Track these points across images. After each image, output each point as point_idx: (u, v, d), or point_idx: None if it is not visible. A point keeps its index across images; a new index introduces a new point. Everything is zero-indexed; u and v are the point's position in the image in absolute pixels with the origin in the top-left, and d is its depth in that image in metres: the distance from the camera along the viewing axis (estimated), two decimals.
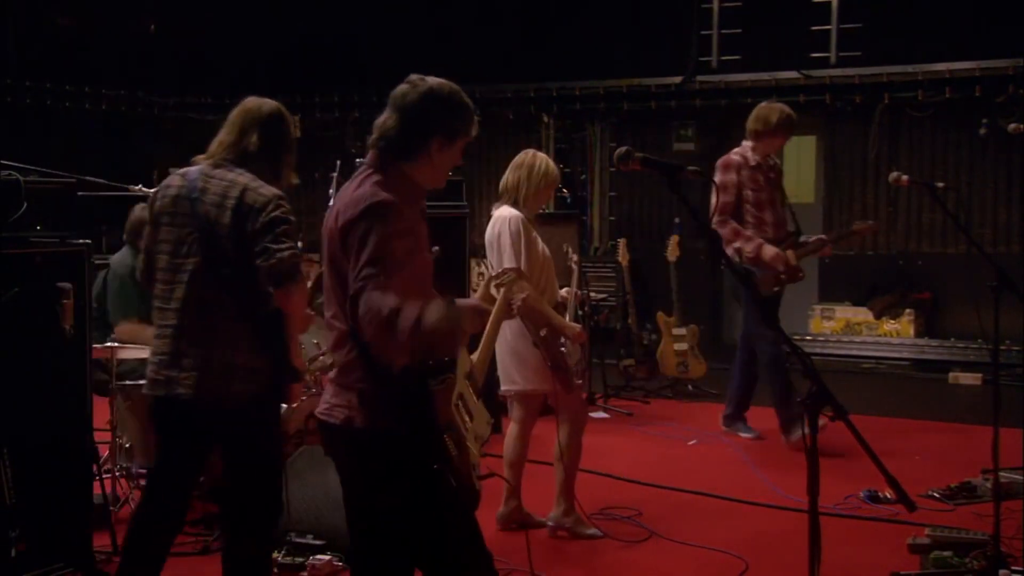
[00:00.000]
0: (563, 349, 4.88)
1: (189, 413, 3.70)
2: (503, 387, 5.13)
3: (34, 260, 4.28)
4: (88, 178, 5.10)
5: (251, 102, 3.81)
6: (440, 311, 2.72)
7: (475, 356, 3.33)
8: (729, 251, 6.68)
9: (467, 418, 3.05)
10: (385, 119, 3.01)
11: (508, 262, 4.83)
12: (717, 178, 6.79)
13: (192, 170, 3.74)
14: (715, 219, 6.74)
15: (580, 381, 5.05)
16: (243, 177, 3.66)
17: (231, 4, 11.81)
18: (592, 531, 5.20)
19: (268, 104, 3.81)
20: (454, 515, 2.95)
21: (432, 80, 3.03)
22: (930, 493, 5.70)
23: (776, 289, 6.75)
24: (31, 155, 4.79)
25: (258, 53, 12.15)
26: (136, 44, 11.96)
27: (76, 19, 11.31)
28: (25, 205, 4.21)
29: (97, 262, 4.98)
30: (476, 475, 3.04)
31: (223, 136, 3.77)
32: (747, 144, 6.93)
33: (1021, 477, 5.49)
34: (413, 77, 3.05)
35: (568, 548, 5.10)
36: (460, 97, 3.02)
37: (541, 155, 5.14)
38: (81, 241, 4.48)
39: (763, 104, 7.00)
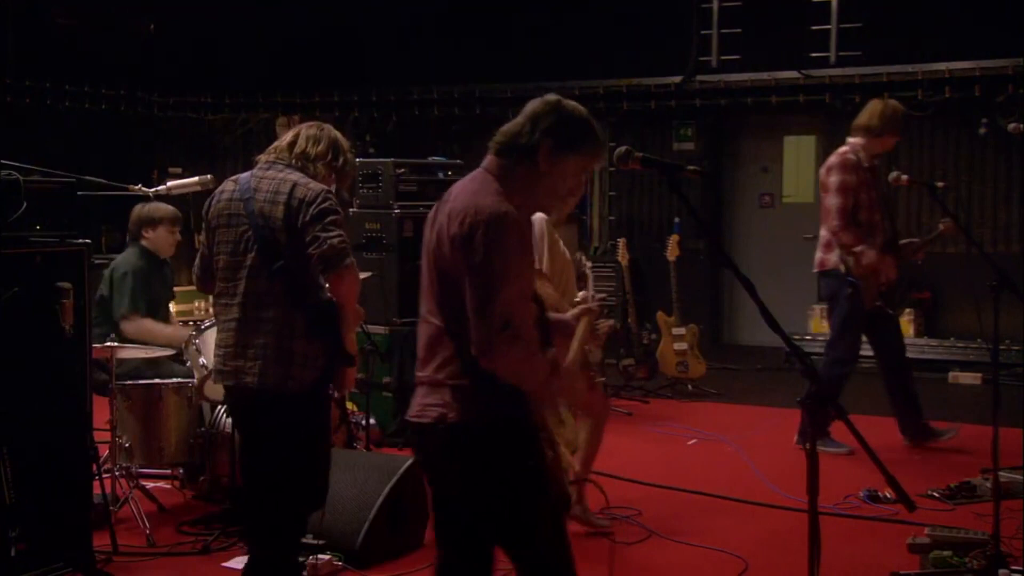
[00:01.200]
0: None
1: (255, 399, 3.84)
2: None
3: (34, 260, 4.28)
4: (88, 177, 5.10)
5: (312, 124, 4.14)
6: (547, 367, 2.87)
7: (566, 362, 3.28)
8: (835, 258, 6.45)
9: (558, 423, 3.05)
10: (510, 123, 3.00)
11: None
12: (833, 178, 6.44)
13: (244, 175, 3.94)
14: (833, 224, 6.41)
15: (601, 379, 5.13)
16: (293, 175, 3.86)
17: (230, 4, 11.80)
18: (602, 523, 5.26)
19: (329, 128, 4.11)
20: (545, 513, 2.93)
21: (566, 100, 3.01)
22: (930, 493, 5.70)
23: (878, 303, 6.49)
24: (30, 154, 4.79)
25: (258, 52, 12.15)
26: (135, 43, 11.96)
27: (75, 18, 11.31)
28: (25, 204, 4.21)
29: (97, 262, 4.98)
30: (567, 479, 3.02)
31: (277, 142, 4.03)
32: (856, 142, 6.59)
33: (1021, 477, 5.49)
34: (549, 95, 3.02)
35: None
36: (586, 117, 2.98)
37: None
38: (81, 241, 4.48)
39: (877, 100, 6.67)
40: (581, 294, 5.20)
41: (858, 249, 6.39)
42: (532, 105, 2.99)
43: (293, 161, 3.92)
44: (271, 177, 3.86)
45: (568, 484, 3.04)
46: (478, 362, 2.79)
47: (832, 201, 6.46)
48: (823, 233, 6.61)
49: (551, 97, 3.00)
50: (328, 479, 4.01)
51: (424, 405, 2.93)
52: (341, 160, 4.04)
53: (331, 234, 3.73)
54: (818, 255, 6.67)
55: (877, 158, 6.70)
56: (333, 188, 3.94)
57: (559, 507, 2.99)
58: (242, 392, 3.85)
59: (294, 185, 3.80)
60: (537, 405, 2.89)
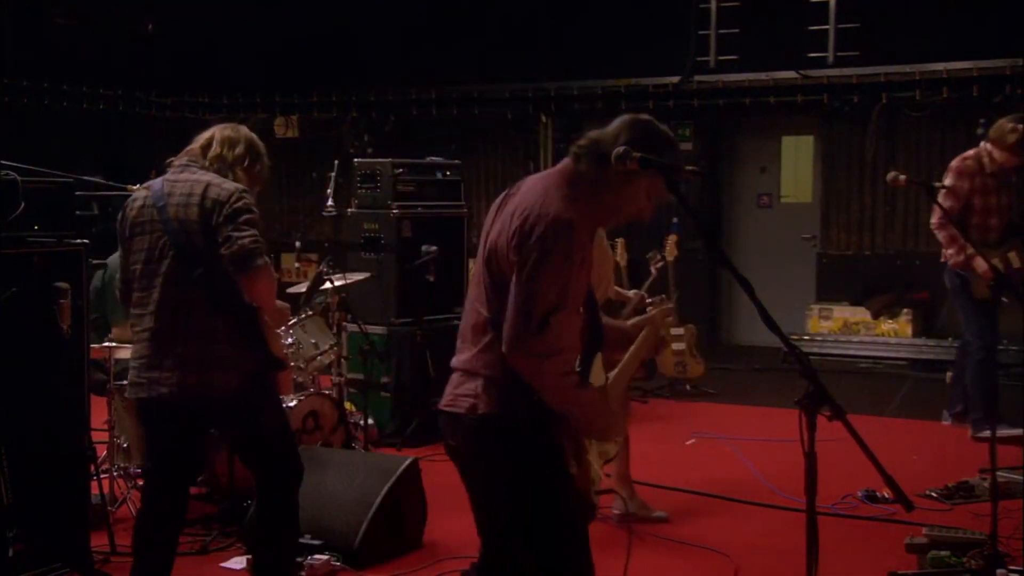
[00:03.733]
0: None
1: (174, 411, 3.77)
2: None
3: (31, 260, 4.28)
4: (86, 177, 5.10)
5: (227, 125, 4.00)
6: (583, 402, 2.86)
7: (613, 373, 3.22)
8: (945, 254, 6.84)
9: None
10: (597, 131, 3.01)
11: None
12: (948, 181, 6.78)
13: (156, 181, 3.87)
14: (935, 221, 6.80)
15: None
16: (207, 176, 3.79)
17: (229, 4, 11.80)
18: (658, 514, 5.33)
19: (243, 130, 3.99)
20: (565, 516, 2.91)
21: (655, 121, 3.04)
22: (928, 493, 5.70)
23: (988, 294, 6.69)
24: (28, 154, 4.79)
25: (256, 53, 12.15)
26: (134, 43, 11.95)
27: (75, 18, 11.30)
28: (23, 204, 4.20)
29: (94, 262, 4.98)
30: (595, 489, 3.01)
31: (190, 147, 3.93)
32: (987, 147, 6.85)
33: (1019, 477, 5.50)
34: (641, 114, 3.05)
35: None
36: (669, 136, 3.00)
37: None
38: (78, 241, 4.48)
39: (1006, 120, 6.87)
40: (632, 292, 5.27)
41: (950, 252, 6.79)
42: (624, 118, 3.00)
43: (207, 164, 3.84)
44: (184, 180, 3.78)
45: (595, 494, 3.01)
46: (507, 358, 2.79)
47: (940, 200, 6.68)
48: None
49: (643, 116, 3.02)
50: (292, 453, 3.95)
51: (456, 395, 2.93)
52: (258, 165, 3.96)
53: (243, 234, 3.64)
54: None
55: (1008, 167, 6.88)
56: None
57: (578, 517, 2.96)
58: (158, 404, 3.75)
59: (207, 186, 3.73)
60: (564, 418, 2.86)
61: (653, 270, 5.47)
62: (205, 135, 3.96)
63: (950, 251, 6.80)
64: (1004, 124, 6.83)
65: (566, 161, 2.98)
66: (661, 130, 2.99)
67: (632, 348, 3.31)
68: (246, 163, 3.91)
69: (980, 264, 6.58)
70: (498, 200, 3.00)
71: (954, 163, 6.91)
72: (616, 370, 3.23)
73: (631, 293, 5.43)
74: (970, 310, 6.92)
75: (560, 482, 2.87)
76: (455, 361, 2.99)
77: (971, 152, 6.93)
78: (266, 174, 4.04)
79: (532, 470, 2.86)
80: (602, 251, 5.15)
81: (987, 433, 6.28)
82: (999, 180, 6.85)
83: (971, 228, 6.75)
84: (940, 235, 6.81)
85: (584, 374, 2.99)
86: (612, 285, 5.32)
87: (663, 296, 3.83)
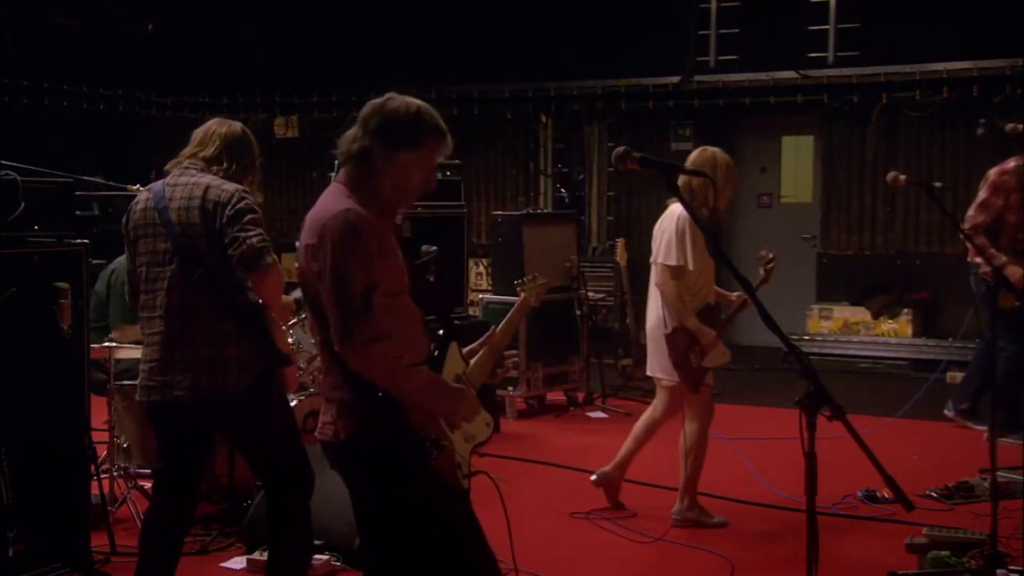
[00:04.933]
0: (692, 351, 5.08)
1: (187, 413, 3.79)
2: (648, 371, 5.43)
3: (32, 260, 4.28)
4: (86, 177, 5.10)
5: (215, 121, 3.99)
6: (421, 383, 2.90)
7: (476, 359, 3.29)
8: (976, 260, 6.80)
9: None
10: (347, 132, 3.04)
11: (667, 258, 5.09)
12: (983, 193, 6.76)
13: (157, 183, 3.89)
14: (966, 229, 6.73)
15: (707, 384, 5.21)
16: (205, 178, 3.81)
17: (229, 4, 11.80)
18: (718, 520, 5.35)
19: (233, 124, 3.98)
20: (440, 516, 2.95)
21: (398, 96, 3.01)
22: (928, 493, 5.70)
23: (1016, 304, 6.57)
24: (28, 154, 4.79)
25: (256, 53, 12.16)
26: (134, 44, 11.95)
27: (75, 18, 11.31)
28: (23, 204, 4.20)
29: (94, 262, 4.97)
30: (462, 473, 3.02)
31: (186, 150, 3.93)
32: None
33: (1019, 477, 5.50)
34: (387, 94, 3.04)
35: (564, 548, 5.10)
36: (416, 111, 2.97)
37: (716, 151, 5.29)
38: (78, 241, 4.48)
39: None
40: (736, 294, 5.37)
41: (978, 261, 6.73)
42: (363, 110, 3.01)
43: (205, 166, 3.85)
44: (184, 183, 3.80)
45: (463, 478, 3.03)
46: (341, 354, 2.84)
47: (971, 212, 6.84)
48: None
49: (378, 99, 3.02)
50: (308, 466, 3.99)
51: (323, 423, 3.03)
52: (257, 161, 3.99)
53: (249, 234, 3.68)
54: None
55: None
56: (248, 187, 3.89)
57: (450, 506, 2.98)
58: (170, 407, 3.77)
59: (207, 188, 3.75)
60: (415, 408, 2.90)
61: (762, 271, 5.43)
62: (200, 134, 3.96)
63: (979, 259, 6.71)
64: None
65: (340, 173, 3.04)
66: (404, 110, 2.97)
67: (507, 320, 3.43)
68: (245, 161, 3.92)
69: (1014, 272, 6.53)
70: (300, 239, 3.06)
71: (992, 175, 6.82)
72: (479, 356, 3.30)
73: (735, 296, 5.40)
74: (1002, 319, 6.81)
75: (427, 484, 2.90)
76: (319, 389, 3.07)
77: (1010, 165, 6.80)
78: (260, 166, 4.05)
79: (399, 482, 2.91)
80: (703, 254, 5.14)
81: (1007, 439, 6.32)
82: None
83: (1001, 239, 6.69)
84: (971, 244, 6.70)
85: (436, 364, 3.04)
86: (713, 289, 5.31)
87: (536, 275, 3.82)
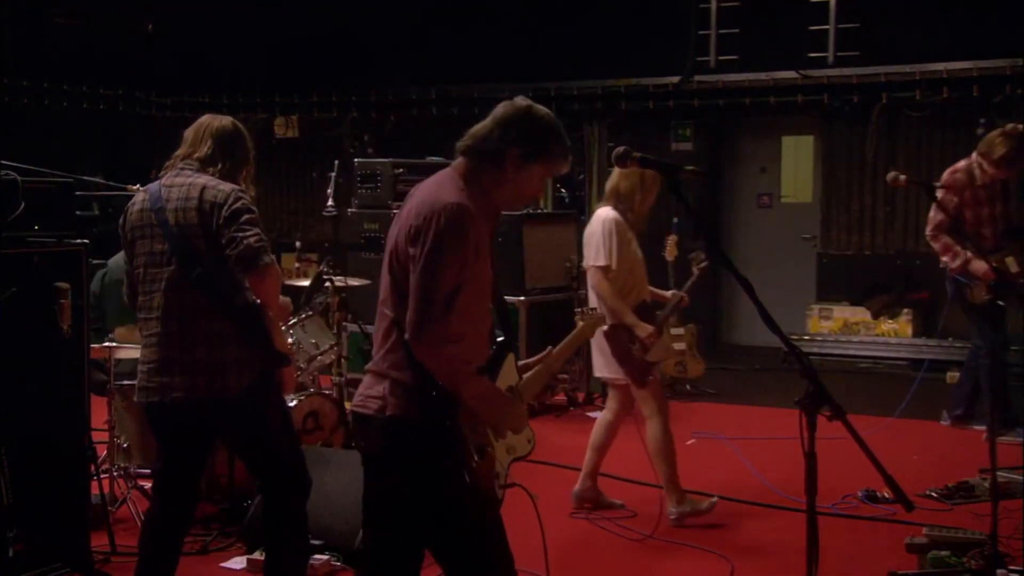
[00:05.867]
0: (634, 345, 5.17)
1: (186, 415, 3.79)
2: (594, 372, 5.57)
3: (32, 260, 4.28)
4: (86, 177, 5.10)
5: (205, 118, 3.98)
6: (479, 391, 2.91)
7: (530, 374, 3.30)
8: (943, 262, 6.92)
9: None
10: (480, 125, 3.04)
11: (596, 259, 5.22)
12: (939, 194, 6.77)
13: (153, 184, 3.88)
14: (928, 232, 6.92)
15: (652, 377, 5.29)
16: (201, 178, 3.80)
17: (229, 4, 11.80)
18: (708, 503, 5.43)
19: (224, 119, 3.97)
20: (469, 514, 2.94)
21: (536, 105, 3.05)
22: (928, 493, 5.71)
23: (987, 297, 6.70)
24: (28, 154, 4.79)
25: (256, 53, 12.15)
26: (134, 44, 11.95)
27: (75, 18, 11.31)
28: (23, 204, 4.20)
29: (94, 262, 4.97)
30: (499, 484, 3.03)
31: (179, 151, 3.93)
32: (978, 159, 6.86)
33: (1019, 477, 5.50)
34: (518, 98, 3.07)
35: (564, 548, 5.10)
36: (555, 124, 3.02)
37: None
38: (78, 241, 4.48)
39: (995, 133, 6.89)
40: (671, 292, 5.54)
41: (944, 259, 6.85)
42: (502, 109, 3.02)
43: (200, 167, 3.85)
44: (180, 184, 3.80)
45: (499, 488, 3.04)
46: (410, 345, 2.84)
47: (931, 213, 6.95)
48: None
49: (521, 102, 3.03)
50: (303, 468, 3.98)
51: (366, 396, 2.99)
52: (251, 154, 3.98)
53: (247, 233, 3.68)
54: None
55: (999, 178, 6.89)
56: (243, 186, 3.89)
57: (481, 510, 2.98)
58: (168, 408, 3.77)
59: (203, 188, 3.75)
60: (466, 411, 2.90)
61: (695, 270, 5.58)
62: (192, 132, 3.95)
63: (945, 258, 6.85)
64: (992, 138, 6.84)
65: (458, 159, 3.03)
66: (547, 121, 3.02)
67: (563, 345, 3.50)
68: (239, 157, 3.92)
69: (979, 266, 6.59)
70: (400, 210, 3.05)
71: (944, 176, 6.97)
72: (532, 372, 3.32)
73: (669, 294, 5.51)
74: (974, 315, 6.94)
75: (462, 477, 2.89)
76: (368, 364, 3.05)
77: (961, 164, 6.95)
78: (253, 158, 4.04)
79: (436, 469, 2.90)
80: (635, 258, 5.31)
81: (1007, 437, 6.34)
82: (991, 191, 6.87)
83: (966, 236, 6.75)
84: (935, 245, 6.88)
85: (492, 371, 3.04)
86: (646, 287, 5.43)
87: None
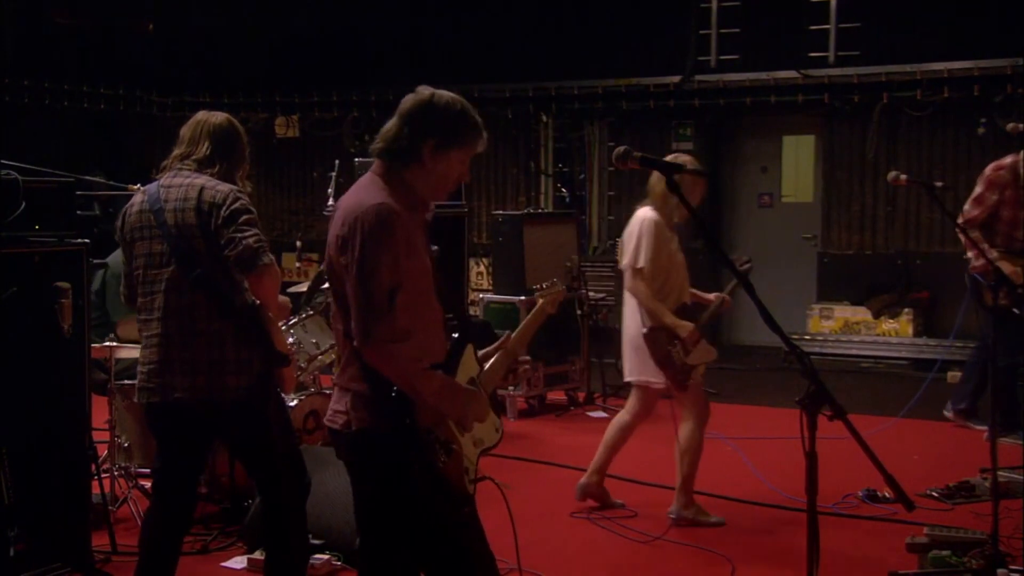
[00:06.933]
0: (674, 348, 5.09)
1: (186, 415, 3.79)
2: (624, 375, 5.45)
3: (32, 259, 4.28)
4: (86, 177, 5.10)
5: (201, 114, 3.97)
6: (435, 387, 2.89)
7: (491, 363, 3.28)
8: (970, 255, 6.82)
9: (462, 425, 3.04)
10: (388, 125, 3.05)
11: (633, 261, 5.14)
12: (979, 188, 6.78)
13: (151, 185, 3.88)
14: (960, 221, 6.71)
15: (692, 381, 5.19)
16: (200, 179, 3.80)
17: (230, 4, 11.80)
18: (715, 519, 5.35)
19: (218, 115, 3.96)
20: (442, 516, 2.96)
21: (439, 92, 3.04)
22: (929, 492, 5.70)
23: (1003, 302, 6.65)
24: (29, 154, 4.79)
25: (256, 53, 12.15)
26: (134, 44, 11.96)
27: (75, 18, 11.31)
28: (23, 204, 4.20)
29: (95, 261, 4.97)
30: (469, 478, 3.03)
31: (176, 151, 3.92)
32: (1018, 159, 6.78)
33: (1019, 476, 5.50)
34: (420, 87, 3.06)
35: (565, 547, 5.10)
36: (461, 107, 3.02)
37: (686, 157, 5.29)
38: (79, 240, 4.48)
39: None
40: (714, 295, 5.44)
41: (969, 255, 6.77)
42: (407, 103, 3.01)
43: (198, 168, 3.84)
44: (178, 185, 3.80)
45: (470, 483, 3.04)
46: (360, 352, 2.85)
47: (966, 206, 6.85)
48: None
49: (424, 92, 3.02)
50: (303, 467, 3.98)
51: (334, 411, 3.01)
52: (246, 150, 3.98)
53: (246, 234, 3.68)
54: None
55: None
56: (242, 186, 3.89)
57: (454, 508, 2.98)
58: (169, 408, 3.77)
59: (201, 189, 3.75)
60: (425, 409, 2.90)
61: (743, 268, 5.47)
62: (188, 131, 3.94)
63: (971, 254, 6.74)
64: None
65: (376, 163, 3.04)
66: (453, 107, 2.99)
67: (525, 324, 3.45)
68: (236, 155, 3.91)
69: (1005, 267, 6.52)
70: (331, 222, 3.04)
71: (987, 171, 6.84)
72: (493, 360, 3.29)
73: (712, 296, 5.43)
74: (991, 316, 6.84)
75: (432, 483, 2.90)
76: (334, 377, 3.07)
77: (1007, 161, 6.82)
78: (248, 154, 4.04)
79: (405, 474, 2.90)
80: (674, 260, 5.23)
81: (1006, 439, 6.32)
82: None
83: (996, 237, 6.70)
84: (963, 237, 6.75)
85: (451, 365, 3.04)
86: (687, 289, 5.34)
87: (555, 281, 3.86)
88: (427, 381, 2.89)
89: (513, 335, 3.38)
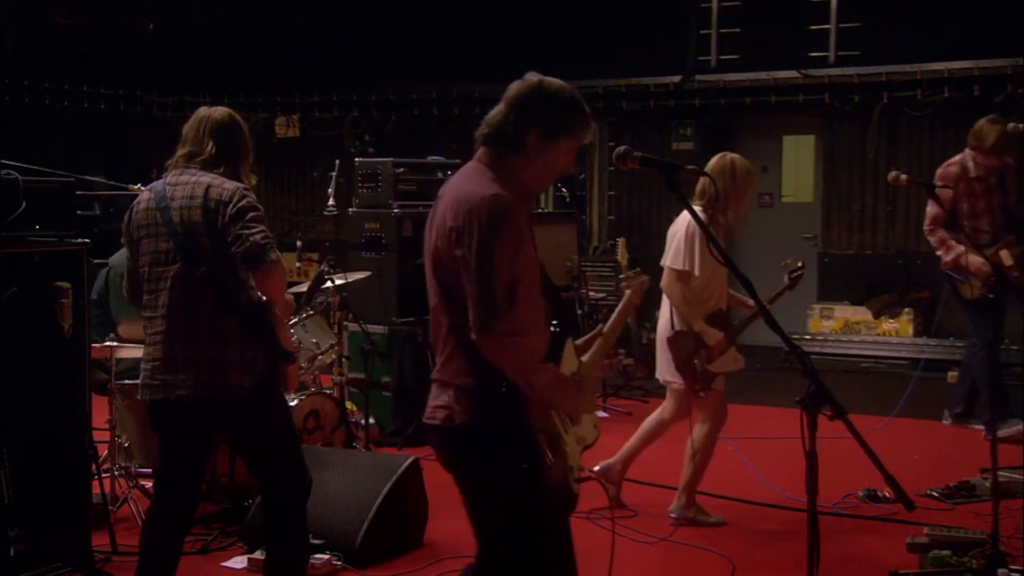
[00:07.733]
0: (698, 355, 5.06)
1: (189, 413, 3.79)
2: (656, 373, 5.43)
3: (33, 259, 4.28)
4: (87, 177, 5.10)
5: (202, 111, 3.97)
6: (550, 380, 2.87)
7: (590, 355, 3.24)
8: (939, 254, 6.95)
9: (568, 419, 3.01)
10: (494, 112, 2.98)
11: (674, 262, 5.08)
12: (939, 191, 6.80)
13: (158, 183, 3.89)
14: (925, 227, 6.97)
15: (715, 388, 5.16)
16: (205, 177, 3.80)
17: (230, 4, 11.81)
18: (715, 519, 5.34)
19: (219, 111, 3.96)
20: (543, 516, 2.91)
21: (547, 78, 2.98)
22: (929, 492, 5.70)
23: (980, 292, 6.72)
24: (29, 154, 4.79)
25: (257, 52, 12.15)
26: (135, 43, 11.96)
27: (75, 18, 11.31)
28: (23, 204, 4.20)
29: (96, 261, 4.97)
30: (574, 478, 3.00)
31: (181, 149, 3.92)
32: (968, 153, 6.90)
33: (1020, 476, 5.50)
34: (528, 74, 3.00)
35: None
36: (570, 95, 2.96)
37: (734, 157, 5.37)
38: (79, 240, 4.48)
39: (983, 121, 6.90)
40: (751, 300, 5.28)
41: (939, 253, 6.87)
42: (514, 89, 2.96)
43: (204, 167, 3.85)
44: (184, 183, 3.80)
45: (574, 482, 3.01)
46: (477, 348, 2.78)
47: (928, 208, 6.98)
48: None
49: (532, 79, 2.97)
50: (304, 467, 3.97)
51: (434, 407, 2.94)
52: (249, 144, 3.98)
53: (253, 231, 3.69)
54: None
55: (994, 168, 6.90)
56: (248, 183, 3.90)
57: (561, 507, 2.96)
58: (172, 405, 3.77)
59: (208, 187, 3.75)
60: (536, 406, 2.87)
61: (787, 278, 5.39)
62: (191, 129, 3.94)
63: (940, 252, 6.87)
64: (981, 127, 6.85)
65: (480, 150, 2.98)
66: (563, 94, 2.96)
67: (615, 316, 3.42)
68: (241, 154, 3.92)
69: (973, 260, 6.59)
70: (431, 212, 2.99)
71: (939, 170, 6.99)
72: (591, 352, 3.25)
73: (751, 302, 5.35)
74: (970, 312, 6.94)
75: (538, 481, 2.86)
76: (433, 372, 3.00)
77: (955, 158, 6.98)
78: (251, 152, 4.04)
79: (510, 474, 2.86)
80: (715, 261, 5.13)
81: (1003, 432, 6.35)
82: (987, 183, 6.87)
83: (961, 233, 6.74)
84: (932, 240, 6.92)
85: (555, 358, 3.00)
86: (726, 295, 5.29)
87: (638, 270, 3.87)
88: (543, 375, 2.86)
89: (606, 326, 3.35)
